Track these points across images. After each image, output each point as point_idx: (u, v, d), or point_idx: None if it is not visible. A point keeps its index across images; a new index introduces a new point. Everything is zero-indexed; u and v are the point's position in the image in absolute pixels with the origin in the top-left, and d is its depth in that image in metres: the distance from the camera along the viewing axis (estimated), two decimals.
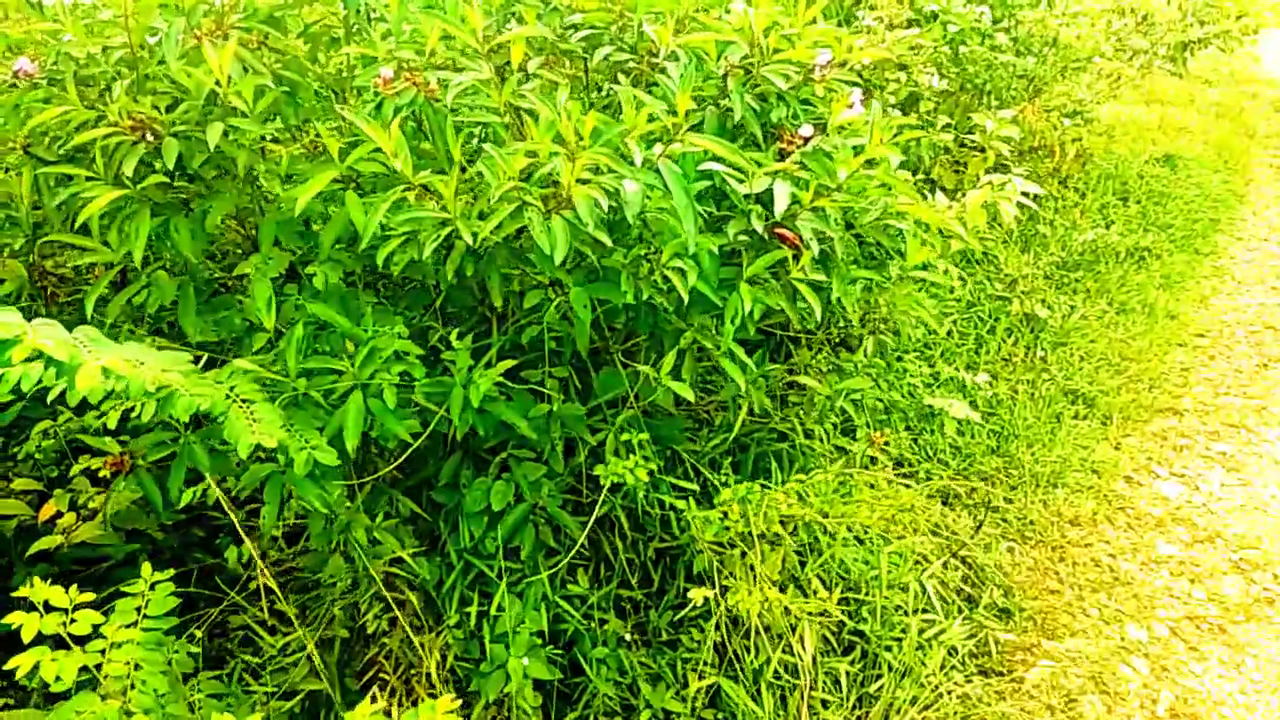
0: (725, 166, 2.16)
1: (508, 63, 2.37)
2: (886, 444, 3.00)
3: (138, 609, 2.10)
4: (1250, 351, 5.51)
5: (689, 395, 2.30)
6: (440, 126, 2.10)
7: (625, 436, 2.54)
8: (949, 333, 4.70)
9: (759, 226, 2.29)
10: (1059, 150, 4.99)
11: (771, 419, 3.02)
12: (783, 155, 2.65)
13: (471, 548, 2.66)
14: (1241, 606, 3.51)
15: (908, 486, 3.76)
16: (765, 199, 2.40)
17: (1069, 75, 5.79)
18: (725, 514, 2.43)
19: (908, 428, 4.04)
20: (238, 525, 2.42)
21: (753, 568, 2.69)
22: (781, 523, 2.59)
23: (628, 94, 1.99)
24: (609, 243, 1.96)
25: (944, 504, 3.90)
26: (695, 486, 2.63)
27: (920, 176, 4.52)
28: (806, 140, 2.63)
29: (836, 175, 2.39)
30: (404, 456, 2.43)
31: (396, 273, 2.22)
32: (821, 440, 3.04)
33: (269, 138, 2.36)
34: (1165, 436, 4.61)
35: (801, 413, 3.03)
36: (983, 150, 4.20)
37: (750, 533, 2.51)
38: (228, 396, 2.05)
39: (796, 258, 2.42)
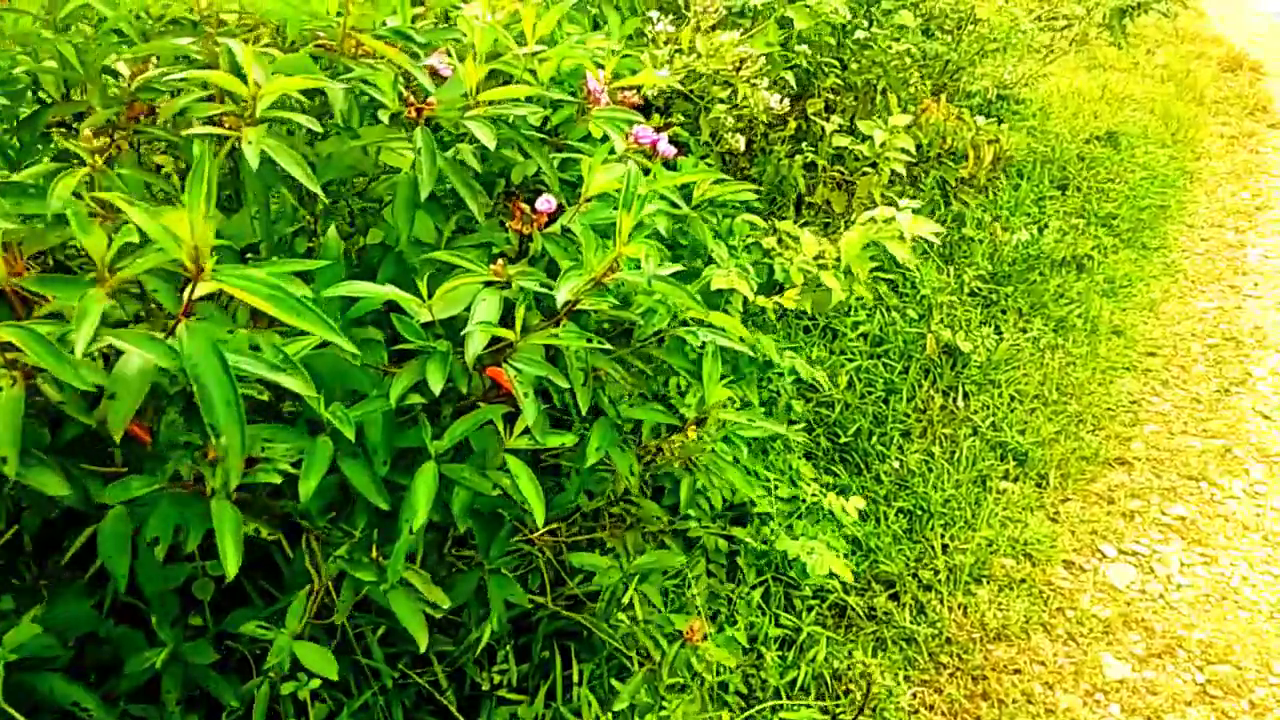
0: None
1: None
2: (706, 635, 2.16)
3: None
4: (1208, 372, 4.73)
5: (331, 673, 1.44)
6: None
7: (290, 687, 1.66)
8: (849, 384, 3.87)
9: (437, 385, 1.41)
10: (973, 154, 4.18)
11: (567, 584, 2.16)
12: (523, 244, 1.79)
13: None
14: None
15: (790, 611, 2.93)
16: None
17: (989, 57, 4.96)
18: None
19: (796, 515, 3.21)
20: None
21: None
22: None
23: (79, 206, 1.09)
24: (65, 490, 1.08)
25: (839, 619, 3.08)
26: None
27: (810, 199, 3.66)
28: (552, 217, 1.76)
29: (576, 277, 1.52)
30: None
31: None
32: (632, 622, 2.19)
33: None
34: (1112, 498, 3.81)
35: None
36: (875, 164, 3.36)
37: None
38: None
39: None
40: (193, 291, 1.12)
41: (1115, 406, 4.39)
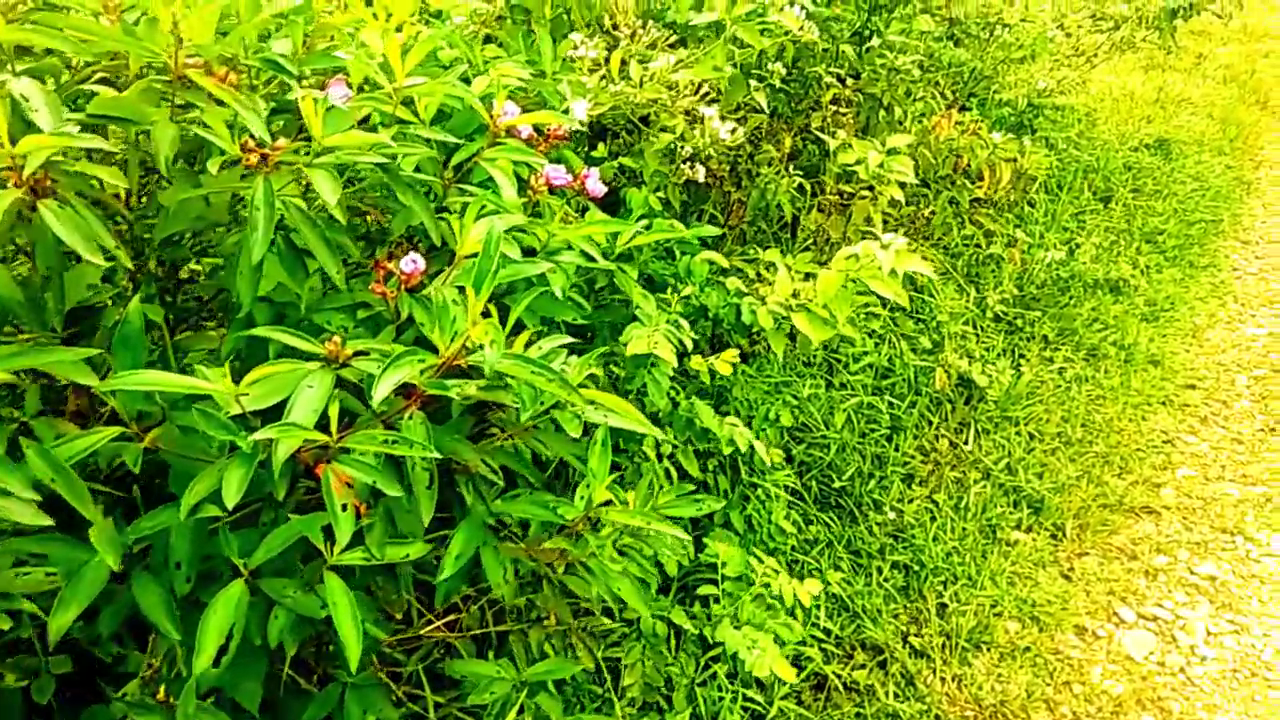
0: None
1: None
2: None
3: None
4: (1252, 408, 4.35)
5: None
6: None
7: None
8: (848, 422, 3.58)
9: (231, 497, 1.18)
10: (989, 173, 3.86)
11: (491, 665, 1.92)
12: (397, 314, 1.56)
13: None
14: None
15: (759, 685, 2.67)
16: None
17: (1023, 64, 4.62)
18: None
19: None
20: None
21: None
22: None
23: None
24: None
25: (817, 693, 2.82)
26: None
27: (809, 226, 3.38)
28: (424, 280, 1.52)
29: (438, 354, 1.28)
30: None
31: None
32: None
33: None
34: (1135, 553, 3.48)
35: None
36: (872, 189, 3.07)
37: None
38: None
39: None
40: None
41: (1146, 447, 4.04)
